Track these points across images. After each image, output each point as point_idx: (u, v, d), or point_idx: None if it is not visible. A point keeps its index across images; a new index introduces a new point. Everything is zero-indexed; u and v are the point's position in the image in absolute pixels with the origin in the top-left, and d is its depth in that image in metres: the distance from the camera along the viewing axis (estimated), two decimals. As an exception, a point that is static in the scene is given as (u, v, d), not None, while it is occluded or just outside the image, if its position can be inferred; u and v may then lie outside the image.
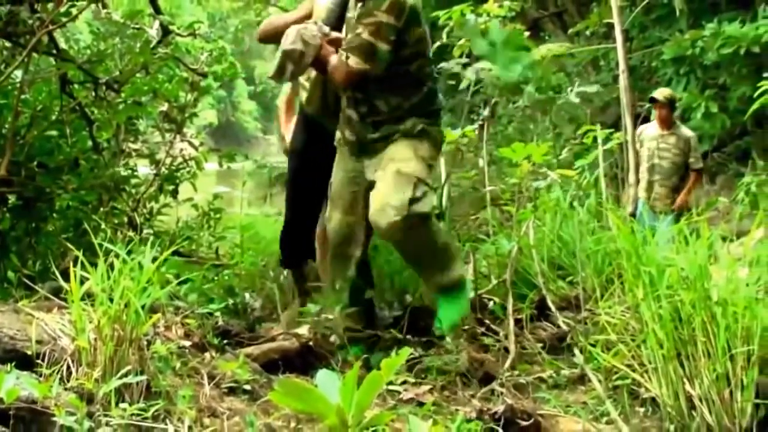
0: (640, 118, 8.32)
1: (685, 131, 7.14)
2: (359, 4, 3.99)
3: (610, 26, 7.06)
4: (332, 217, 4.18)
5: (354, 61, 3.78)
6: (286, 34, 3.90)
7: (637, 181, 7.03)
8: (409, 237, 3.86)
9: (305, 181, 4.74)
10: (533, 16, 13.30)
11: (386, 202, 3.81)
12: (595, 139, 6.40)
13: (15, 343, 2.93)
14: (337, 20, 4.35)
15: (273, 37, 4.47)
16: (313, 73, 4.51)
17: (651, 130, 7.18)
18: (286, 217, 4.91)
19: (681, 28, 8.58)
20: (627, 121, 6.76)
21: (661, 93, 7.17)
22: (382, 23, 3.73)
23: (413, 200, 3.80)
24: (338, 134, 4.21)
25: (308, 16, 4.42)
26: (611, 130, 6.93)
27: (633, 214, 6.37)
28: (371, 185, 3.96)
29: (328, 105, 4.54)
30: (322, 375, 2.29)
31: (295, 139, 4.84)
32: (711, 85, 8.35)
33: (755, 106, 5.14)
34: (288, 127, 5.12)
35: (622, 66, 6.71)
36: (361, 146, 4.08)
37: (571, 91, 6.94)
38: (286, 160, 5.18)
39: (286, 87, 5.21)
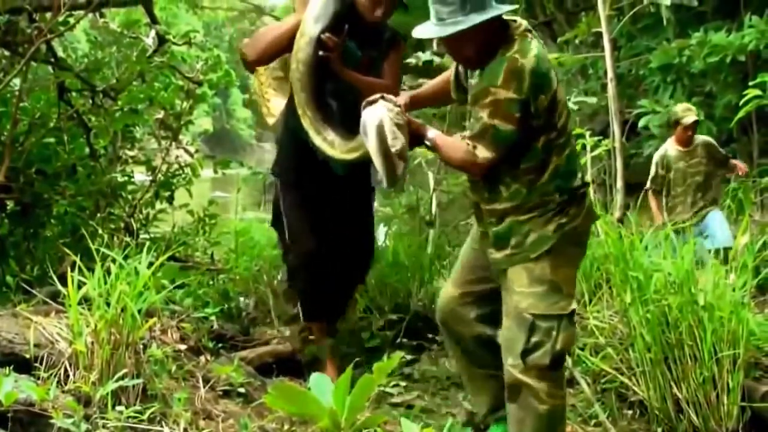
0: (627, 125, 8.37)
1: (701, 138, 6.87)
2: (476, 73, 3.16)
3: (599, 35, 7.10)
4: (445, 285, 3.52)
5: (481, 150, 3.03)
6: (376, 129, 3.10)
7: (660, 206, 6.77)
8: (523, 396, 3.09)
9: (306, 215, 4.09)
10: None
11: (506, 347, 3.14)
12: (583, 146, 6.43)
13: (13, 347, 2.95)
14: (332, 17, 3.85)
15: (272, 55, 4.03)
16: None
17: (672, 151, 6.84)
18: (288, 260, 4.22)
19: (668, 37, 8.62)
20: (615, 128, 6.79)
21: (694, 113, 6.76)
22: (500, 101, 2.96)
23: (528, 350, 3.06)
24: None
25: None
26: (599, 137, 6.95)
27: (621, 221, 6.38)
28: (489, 272, 3.28)
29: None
30: (315, 378, 2.33)
31: (283, 166, 4.20)
32: (698, 93, 8.40)
33: (741, 113, 5.18)
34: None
35: (610, 74, 6.75)
36: (484, 239, 3.27)
37: (569, 100, 6.98)
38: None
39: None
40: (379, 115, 3.07)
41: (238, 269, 5.31)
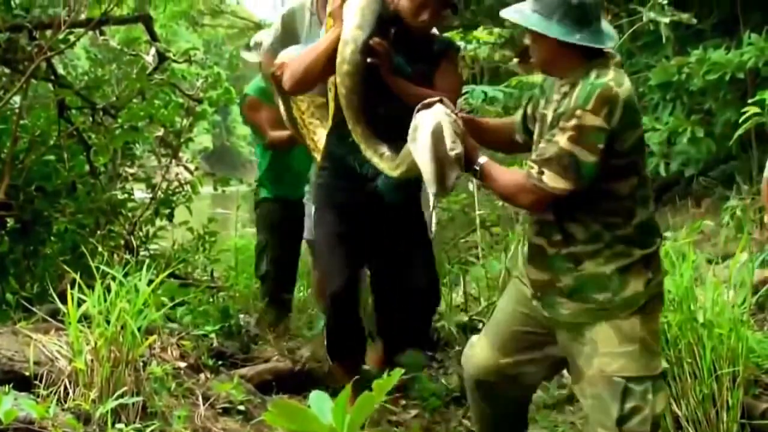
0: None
1: None
2: (561, 88, 2.86)
3: (599, 53, 7.12)
4: (478, 345, 3.15)
5: (550, 177, 2.72)
6: (433, 131, 2.85)
7: None
8: None
9: (341, 249, 3.66)
10: (523, 43, 13.36)
11: (595, 419, 2.85)
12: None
13: (13, 365, 2.97)
14: (375, 22, 3.47)
15: (313, 80, 3.63)
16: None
17: None
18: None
19: (667, 54, 8.64)
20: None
21: None
22: (586, 127, 2.67)
23: (623, 417, 2.77)
24: (519, 265, 3.16)
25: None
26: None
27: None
28: (549, 345, 2.99)
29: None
30: (315, 396, 2.33)
31: (323, 190, 3.81)
32: (697, 110, 8.40)
33: (740, 131, 5.21)
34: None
35: (610, 92, 6.75)
36: (549, 289, 2.93)
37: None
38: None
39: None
40: (437, 116, 2.84)
41: (238, 287, 5.31)
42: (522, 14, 2.83)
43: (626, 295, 2.79)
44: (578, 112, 2.68)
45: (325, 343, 3.83)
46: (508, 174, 2.90)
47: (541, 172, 2.73)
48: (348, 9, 3.49)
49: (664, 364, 3.45)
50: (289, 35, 4.45)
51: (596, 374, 2.80)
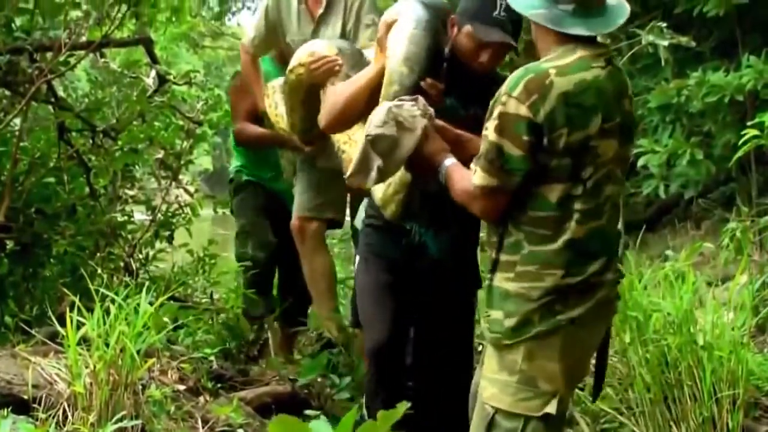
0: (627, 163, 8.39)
1: None
2: None
3: (598, 75, 7.14)
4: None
5: (479, 176, 2.41)
6: (372, 114, 2.64)
7: None
8: None
9: (383, 298, 3.35)
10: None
11: None
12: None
13: (12, 388, 2.97)
14: (428, 56, 3.03)
15: (350, 120, 3.23)
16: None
17: None
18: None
19: (666, 77, 8.62)
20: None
21: None
22: (509, 116, 2.34)
23: None
24: None
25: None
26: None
27: (619, 260, 6.30)
28: None
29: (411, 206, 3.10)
30: (316, 424, 2.31)
31: (368, 240, 3.44)
32: (696, 132, 8.39)
33: (739, 153, 5.20)
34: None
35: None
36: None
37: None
38: None
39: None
40: (386, 105, 2.63)
41: (238, 309, 5.30)
42: None
43: (513, 323, 2.45)
44: (503, 98, 2.36)
45: (364, 402, 3.47)
46: (461, 179, 2.54)
47: (474, 172, 2.44)
48: (394, 37, 3.07)
49: (664, 387, 3.47)
50: (272, 30, 4.36)
51: (479, 396, 2.59)
